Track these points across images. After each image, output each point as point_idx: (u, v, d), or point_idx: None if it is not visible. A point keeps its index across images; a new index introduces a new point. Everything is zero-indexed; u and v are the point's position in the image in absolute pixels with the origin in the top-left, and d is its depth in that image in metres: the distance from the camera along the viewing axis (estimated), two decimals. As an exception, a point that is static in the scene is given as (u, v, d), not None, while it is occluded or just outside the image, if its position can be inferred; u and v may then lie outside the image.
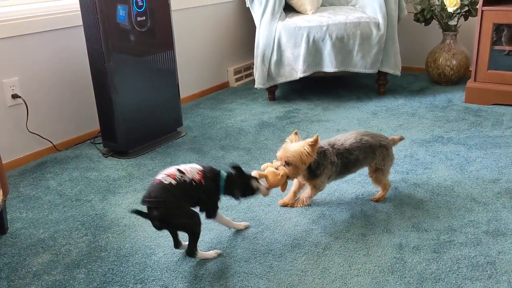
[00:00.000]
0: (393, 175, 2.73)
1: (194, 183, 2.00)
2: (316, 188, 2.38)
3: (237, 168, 2.10)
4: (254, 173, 2.14)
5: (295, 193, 2.48)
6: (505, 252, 2.02)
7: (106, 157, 3.18)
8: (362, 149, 2.31)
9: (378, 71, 4.04)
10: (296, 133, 2.27)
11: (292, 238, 2.19)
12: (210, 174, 2.06)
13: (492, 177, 2.66)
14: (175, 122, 3.51)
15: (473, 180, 2.64)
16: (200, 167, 2.07)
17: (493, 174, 2.69)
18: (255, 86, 4.13)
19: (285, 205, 2.47)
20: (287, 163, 2.17)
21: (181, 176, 1.98)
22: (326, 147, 2.28)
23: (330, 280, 1.91)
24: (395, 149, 2.57)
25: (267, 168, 2.21)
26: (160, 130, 3.39)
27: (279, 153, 2.21)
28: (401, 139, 2.52)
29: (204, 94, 4.52)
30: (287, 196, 2.48)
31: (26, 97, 3.06)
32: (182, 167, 2.04)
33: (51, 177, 2.93)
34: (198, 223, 2.00)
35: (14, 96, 3.01)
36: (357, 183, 2.66)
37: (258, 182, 2.15)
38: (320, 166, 2.25)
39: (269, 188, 2.17)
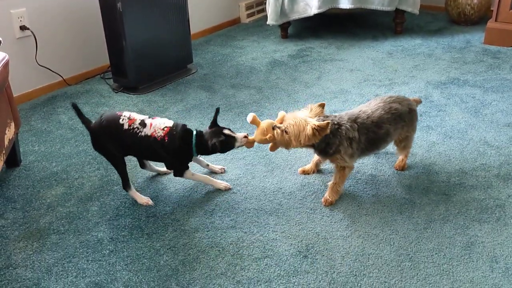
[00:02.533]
0: (406, 116, 2.70)
1: (149, 138, 1.94)
2: (340, 169, 1.99)
3: (216, 112, 2.02)
4: (250, 116, 1.93)
5: (317, 164, 2.23)
6: (515, 195, 2.03)
7: (116, 92, 3.16)
8: (392, 120, 1.97)
9: (396, 9, 3.89)
10: (322, 106, 1.92)
11: (302, 177, 2.20)
12: (179, 133, 1.96)
13: (507, 120, 2.61)
14: (185, 59, 3.45)
15: (487, 123, 2.60)
16: (169, 124, 1.97)
17: (508, 117, 2.64)
18: (268, 23, 4.01)
19: (305, 173, 2.24)
20: (285, 131, 1.86)
21: (138, 128, 1.94)
22: (343, 123, 1.90)
23: (339, 219, 1.93)
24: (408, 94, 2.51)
25: (266, 122, 1.94)
26: (170, 66, 3.34)
27: (286, 115, 1.91)
28: (420, 101, 2.23)
29: (215, 30, 4.41)
30: (308, 165, 2.25)
31: (34, 29, 3.00)
32: (151, 120, 1.97)
33: (62, 111, 2.93)
34: (118, 165, 2.04)
35: (23, 28, 2.95)
36: (369, 124, 2.63)
37: (232, 132, 2.00)
38: (332, 145, 1.90)
39: (250, 141, 1.99)
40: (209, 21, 4.35)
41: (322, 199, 2.03)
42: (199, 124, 2.70)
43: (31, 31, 2.99)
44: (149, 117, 2.00)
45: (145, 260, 1.75)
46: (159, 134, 1.94)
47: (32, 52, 3.04)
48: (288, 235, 1.85)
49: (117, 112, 1.99)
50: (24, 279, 1.69)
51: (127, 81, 3.13)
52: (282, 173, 2.24)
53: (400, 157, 2.23)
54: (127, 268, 1.71)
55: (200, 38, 4.21)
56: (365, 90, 3.06)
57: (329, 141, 1.89)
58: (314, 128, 1.80)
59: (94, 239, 1.86)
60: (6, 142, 2.08)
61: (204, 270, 1.70)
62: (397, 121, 1.99)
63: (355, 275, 1.66)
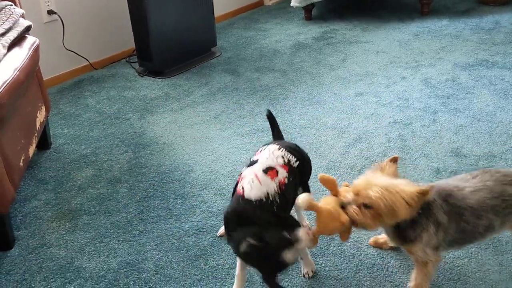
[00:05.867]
0: (433, 99, 2.66)
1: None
2: (421, 265, 1.42)
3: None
4: (303, 199, 1.33)
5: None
6: (546, 179, 1.99)
7: (142, 76, 3.19)
8: (501, 210, 1.36)
9: (423, -11, 3.81)
10: (394, 160, 1.39)
11: (328, 161, 2.20)
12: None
13: (538, 103, 2.56)
14: (209, 42, 3.45)
15: (518, 106, 2.55)
16: (266, 189, 1.36)
17: (539, 100, 2.59)
18: (291, 5, 3.98)
19: (378, 247, 1.71)
20: (365, 205, 1.30)
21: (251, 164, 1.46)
22: (431, 200, 1.34)
23: (366, 202, 1.93)
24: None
25: (326, 200, 1.37)
26: (194, 50, 3.35)
27: (357, 184, 1.33)
28: None
29: (238, 13, 4.39)
30: (382, 235, 1.68)
31: (61, 14, 3.04)
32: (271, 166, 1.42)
33: (89, 95, 2.97)
34: None
35: (50, 12, 2.99)
36: (396, 107, 2.61)
37: (297, 225, 1.37)
38: (417, 226, 1.35)
39: (315, 236, 1.35)
40: (232, 4, 4.33)
41: None
42: (224, 107, 2.72)
43: (58, 15, 3.02)
44: (272, 166, 1.42)
45: (174, 241, 1.78)
46: (240, 187, 1.40)
47: (59, 36, 3.08)
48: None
49: (277, 142, 1.55)
50: (58, 257, 1.74)
51: (152, 64, 3.15)
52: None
53: None
54: (157, 248, 1.75)
55: (224, 21, 4.20)
56: (391, 72, 3.03)
57: (415, 218, 1.33)
58: (418, 193, 1.26)
59: (124, 220, 1.90)
60: (38, 125, 2.13)
61: (232, 251, 1.72)
62: (509, 212, 1.38)
63: (382, 257, 1.66)
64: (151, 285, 1.61)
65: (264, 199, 1.35)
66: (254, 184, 1.38)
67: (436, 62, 3.13)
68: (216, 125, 2.53)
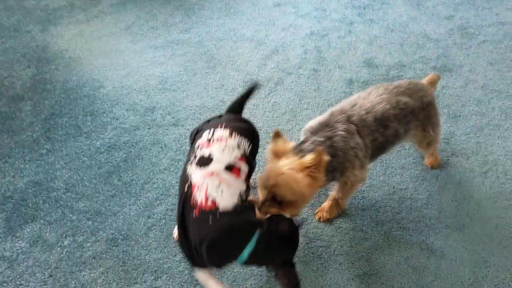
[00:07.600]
0: (350, 10, 2.66)
1: (185, 187, 1.17)
2: (349, 186, 1.48)
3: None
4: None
5: None
6: (449, 87, 2.10)
7: (43, -16, 2.89)
8: (402, 118, 1.46)
9: None
10: (277, 135, 1.33)
11: (245, 74, 2.17)
12: (235, 222, 1.13)
13: (447, 13, 2.63)
14: None
15: (429, 16, 2.61)
16: (230, 199, 1.14)
17: (448, 10, 2.66)
18: None
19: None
20: (277, 202, 1.27)
21: (193, 159, 1.22)
22: (333, 133, 1.37)
23: (281, 113, 1.95)
24: None
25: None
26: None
27: (261, 181, 1.27)
28: (438, 78, 1.67)
29: None
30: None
31: None
32: (221, 171, 1.17)
33: (-18, 5, 2.67)
34: None
35: None
36: (313, 18, 2.58)
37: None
38: (337, 168, 1.39)
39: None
40: None
41: (318, 214, 1.61)
42: (135, 18, 2.55)
43: None
44: (233, 163, 1.20)
45: (85, 158, 1.72)
46: (198, 199, 1.13)
47: None
48: (230, 130, 1.86)
49: (225, 120, 1.32)
50: (-43, 181, 1.63)
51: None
52: (224, 69, 2.20)
53: (429, 156, 1.76)
54: (67, 166, 1.69)
55: None
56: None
57: (333, 165, 1.36)
58: (311, 166, 1.24)
59: (30, 139, 1.80)
60: None
61: (146, 166, 1.70)
62: (409, 120, 1.48)
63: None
64: (61, 203, 1.56)
65: (240, 202, 1.14)
66: (224, 190, 1.13)
67: (355, -29, 3.09)
68: (127, 37, 2.39)
